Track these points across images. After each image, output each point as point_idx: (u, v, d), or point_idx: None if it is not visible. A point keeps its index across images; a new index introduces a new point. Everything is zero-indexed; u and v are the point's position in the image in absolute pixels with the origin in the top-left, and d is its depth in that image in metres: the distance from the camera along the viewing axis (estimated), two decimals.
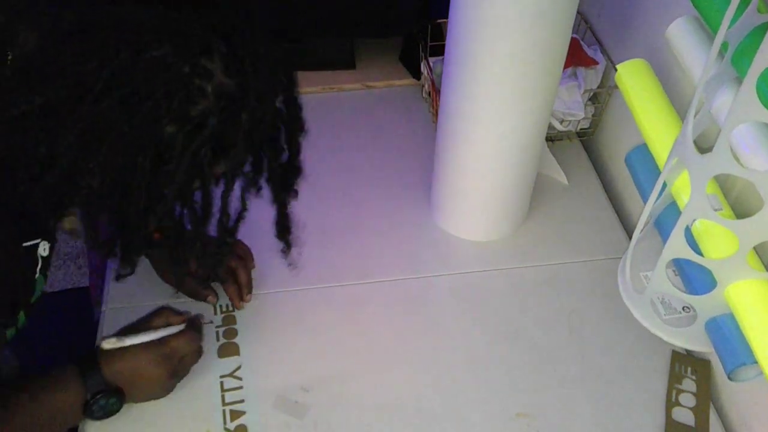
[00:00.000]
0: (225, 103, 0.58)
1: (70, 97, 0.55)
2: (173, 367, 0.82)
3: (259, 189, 0.69)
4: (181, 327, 0.84)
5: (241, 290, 0.94)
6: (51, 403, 0.76)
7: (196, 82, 0.57)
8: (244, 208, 0.69)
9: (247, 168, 0.66)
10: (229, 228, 0.69)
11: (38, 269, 0.74)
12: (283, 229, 0.76)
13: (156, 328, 0.82)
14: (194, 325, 0.86)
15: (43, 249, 0.73)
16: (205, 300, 0.94)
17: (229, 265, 0.94)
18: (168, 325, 0.83)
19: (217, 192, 0.65)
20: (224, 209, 0.66)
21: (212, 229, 0.68)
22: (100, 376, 0.77)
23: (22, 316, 0.73)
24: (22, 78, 0.55)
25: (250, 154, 0.64)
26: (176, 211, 0.63)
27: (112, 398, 0.78)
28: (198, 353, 0.85)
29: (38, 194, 0.58)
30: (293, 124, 0.68)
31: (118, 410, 0.80)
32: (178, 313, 0.86)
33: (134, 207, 0.60)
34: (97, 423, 0.80)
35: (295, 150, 0.70)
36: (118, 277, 0.70)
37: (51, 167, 0.56)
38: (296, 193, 0.74)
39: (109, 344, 0.79)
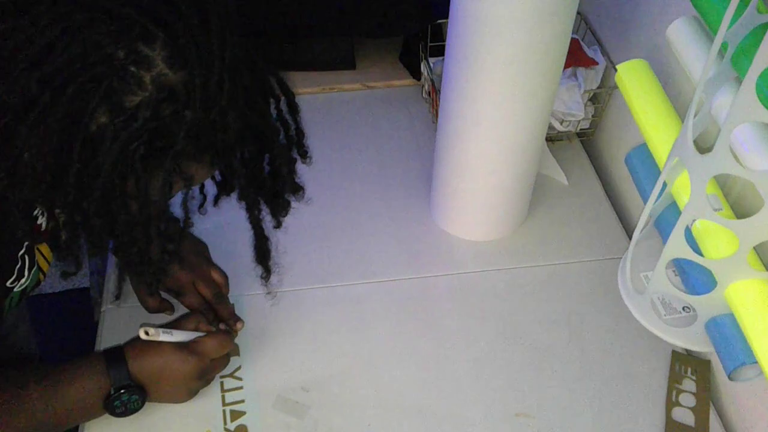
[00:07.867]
0: (165, 97, 0.53)
1: None
2: (202, 367, 0.80)
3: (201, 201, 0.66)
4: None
5: (227, 323, 0.87)
6: (73, 393, 0.74)
7: (132, 70, 0.52)
8: (186, 217, 0.62)
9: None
10: (168, 235, 0.62)
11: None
12: (261, 253, 0.72)
13: (187, 330, 0.81)
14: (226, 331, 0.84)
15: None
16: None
17: (201, 293, 0.88)
18: (197, 330, 0.82)
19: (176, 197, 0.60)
20: (160, 213, 0.60)
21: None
22: (126, 371, 0.75)
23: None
24: None
25: (196, 159, 0.58)
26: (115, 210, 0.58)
27: (134, 395, 0.77)
28: (226, 360, 0.84)
29: None
30: (272, 141, 0.62)
31: (138, 408, 0.78)
32: (209, 321, 0.84)
33: (64, 198, 0.56)
34: (98, 422, 0.80)
35: (282, 172, 0.64)
36: (63, 275, 0.65)
37: None
38: (280, 220, 0.69)
39: (147, 335, 0.76)
